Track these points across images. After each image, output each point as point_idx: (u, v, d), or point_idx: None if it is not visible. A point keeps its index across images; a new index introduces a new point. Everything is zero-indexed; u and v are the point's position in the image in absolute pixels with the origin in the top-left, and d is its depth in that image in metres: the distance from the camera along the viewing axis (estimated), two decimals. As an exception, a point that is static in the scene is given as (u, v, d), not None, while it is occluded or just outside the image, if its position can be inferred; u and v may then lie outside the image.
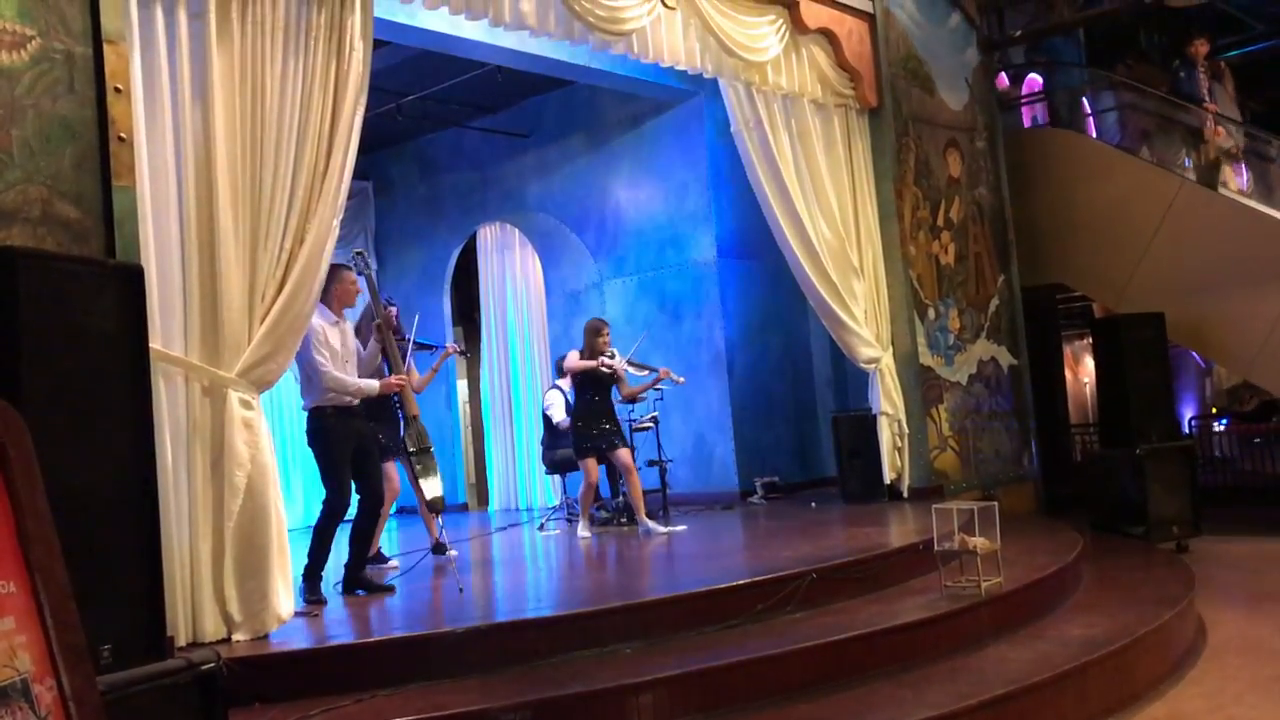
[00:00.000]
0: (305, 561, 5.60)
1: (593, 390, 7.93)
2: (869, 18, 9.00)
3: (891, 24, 9.22)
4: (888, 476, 8.71)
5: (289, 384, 8.81)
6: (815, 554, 6.10)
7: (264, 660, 4.40)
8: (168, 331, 4.66)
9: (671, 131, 10.47)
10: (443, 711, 3.97)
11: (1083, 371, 16.90)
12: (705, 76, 8.08)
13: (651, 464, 8.96)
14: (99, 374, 3.69)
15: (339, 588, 5.88)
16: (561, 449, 8.82)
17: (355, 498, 5.95)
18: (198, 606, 4.64)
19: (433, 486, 6.21)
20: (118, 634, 3.56)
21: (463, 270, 12.46)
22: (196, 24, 4.86)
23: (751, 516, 8.90)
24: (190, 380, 4.72)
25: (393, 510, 7.93)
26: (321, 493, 5.79)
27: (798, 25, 8.26)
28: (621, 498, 8.38)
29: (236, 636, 4.66)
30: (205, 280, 4.80)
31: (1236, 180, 10.24)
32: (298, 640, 4.73)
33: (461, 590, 5.73)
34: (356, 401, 5.89)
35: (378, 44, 5.93)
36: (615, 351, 7.99)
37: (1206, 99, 10.18)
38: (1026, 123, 12.17)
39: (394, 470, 7.08)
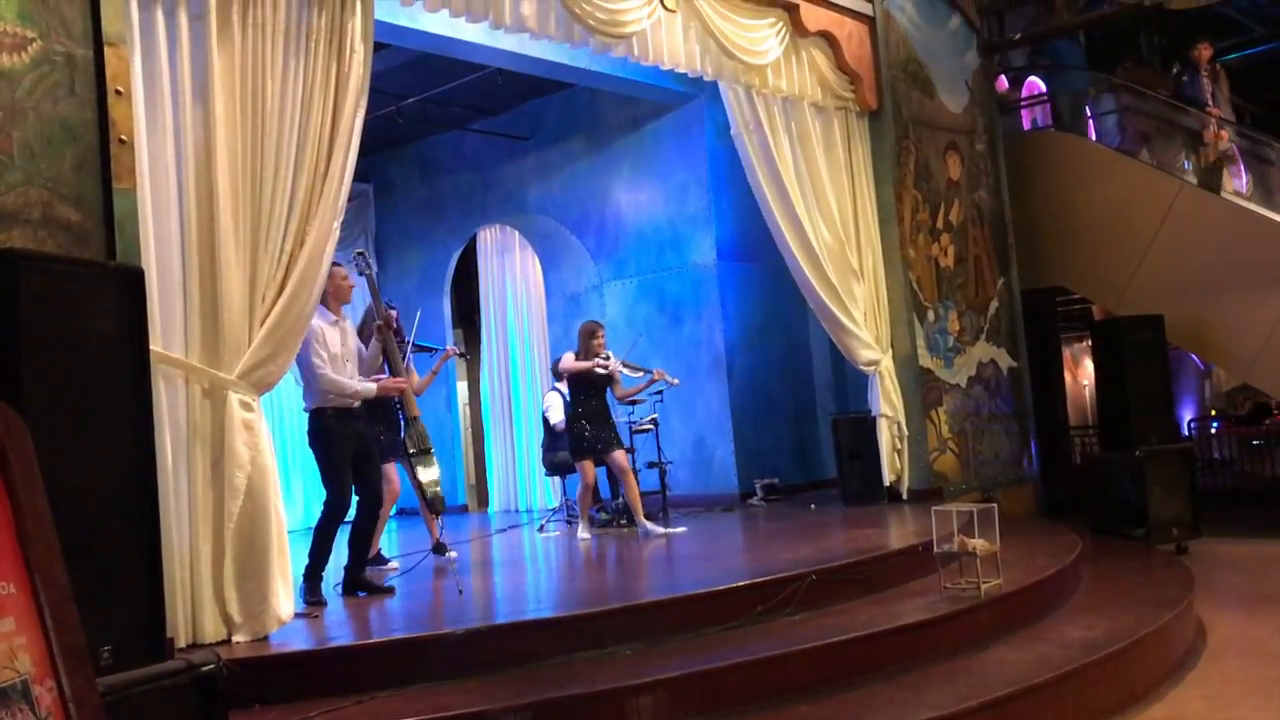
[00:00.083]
0: (306, 562, 5.60)
1: (588, 392, 7.94)
2: (869, 20, 9.00)
3: (891, 27, 9.23)
4: (887, 478, 8.72)
5: (289, 385, 8.83)
6: (815, 556, 6.10)
7: (264, 662, 4.40)
8: (168, 333, 4.66)
9: (671, 134, 10.48)
10: (443, 713, 3.97)
11: (1082, 374, 16.91)
12: (705, 79, 8.09)
13: (651, 466, 8.97)
14: (99, 375, 3.70)
15: (339, 589, 5.89)
16: (561, 451, 8.82)
17: (354, 499, 5.95)
18: (198, 608, 4.64)
19: (431, 473, 6.22)
20: (118, 635, 3.57)
21: (463, 272, 12.47)
22: (197, 26, 4.86)
23: (751, 518, 8.90)
24: (190, 382, 4.73)
25: (392, 512, 7.94)
26: (322, 494, 5.79)
27: (798, 28, 8.26)
28: (621, 499, 8.38)
29: (236, 638, 4.66)
30: (205, 282, 4.80)
31: (1235, 183, 10.25)
32: (298, 642, 4.73)
33: (461, 592, 5.73)
34: (357, 403, 5.89)
35: (378, 46, 5.93)
36: (610, 354, 8.00)
37: (1210, 103, 10.19)
38: (1026, 125, 12.19)
39: (394, 472, 7.08)
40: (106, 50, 4.48)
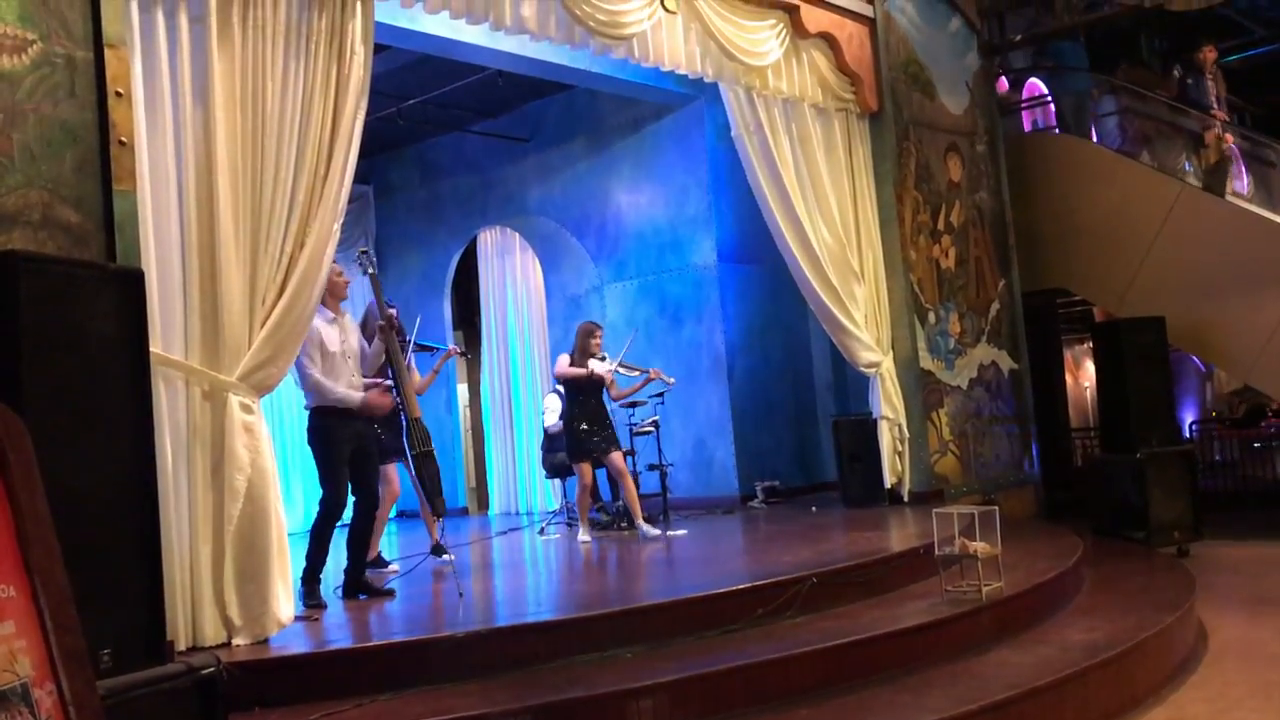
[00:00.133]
0: (304, 565, 5.59)
1: (584, 393, 7.94)
2: (869, 22, 9.00)
3: (892, 28, 9.23)
4: (888, 481, 8.71)
5: (289, 387, 8.81)
6: (815, 558, 6.09)
7: (264, 664, 4.39)
8: (168, 335, 4.66)
9: (672, 136, 10.48)
10: (443, 716, 3.96)
11: (1083, 376, 16.89)
12: (706, 81, 8.09)
13: (652, 468, 8.96)
14: (99, 377, 3.69)
15: (339, 592, 5.88)
16: (560, 453, 8.82)
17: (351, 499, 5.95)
18: (198, 611, 4.63)
19: (432, 474, 6.20)
20: (117, 638, 3.56)
21: (463, 274, 12.47)
22: (197, 28, 4.86)
23: (752, 521, 8.90)
24: (190, 384, 4.72)
25: (392, 514, 7.93)
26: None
27: (798, 29, 8.26)
28: (621, 502, 8.38)
29: (236, 641, 4.66)
30: (205, 284, 4.80)
31: (1236, 184, 10.24)
32: (298, 644, 4.72)
33: (461, 594, 5.73)
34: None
35: (378, 48, 5.93)
36: (606, 355, 8.00)
37: (1215, 106, 10.18)
38: (1027, 127, 12.18)
39: (394, 472, 7.07)
40: (107, 52, 4.47)
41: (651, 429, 9.01)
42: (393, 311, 6.48)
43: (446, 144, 12.10)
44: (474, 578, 6.71)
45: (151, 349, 4.18)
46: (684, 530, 8.11)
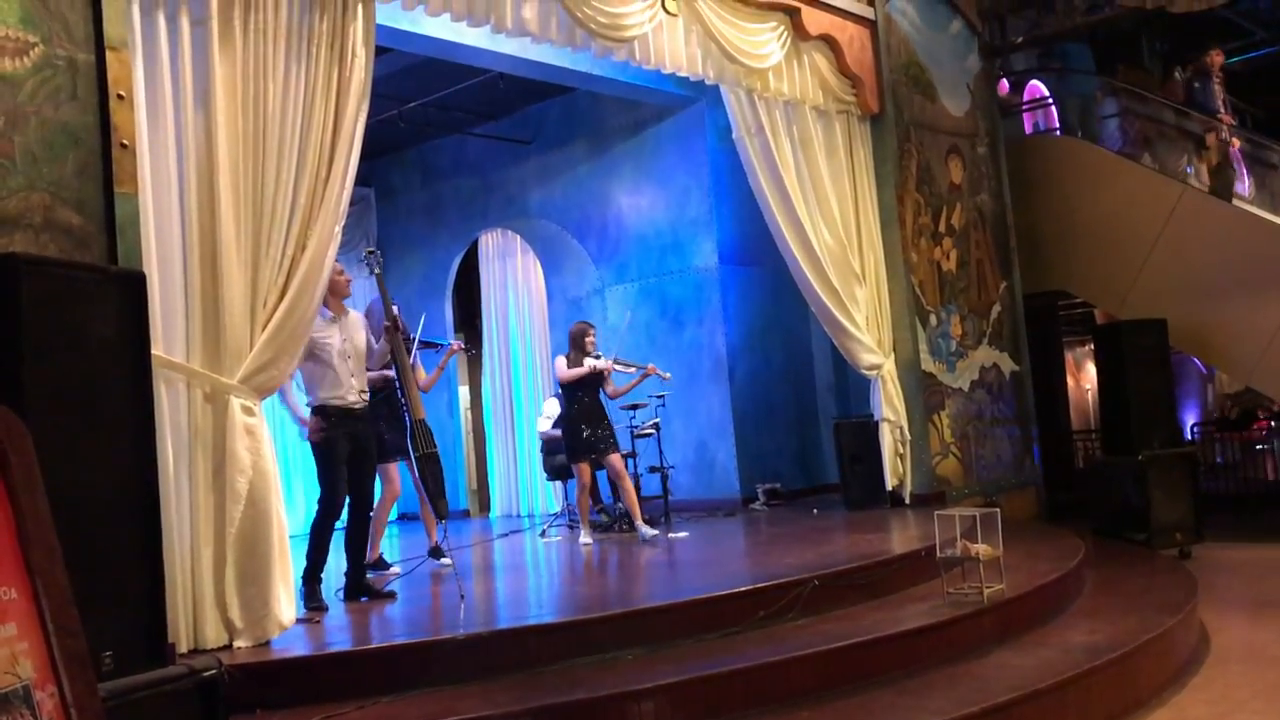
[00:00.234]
0: (304, 564, 5.59)
1: (582, 392, 7.94)
2: (870, 24, 9.01)
3: (893, 30, 9.23)
4: (890, 483, 8.71)
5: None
6: (817, 561, 6.09)
7: (265, 667, 4.39)
8: (169, 338, 4.66)
9: (673, 138, 10.48)
10: (445, 718, 3.96)
11: (1084, 378, 16.88)
12: (707, 83, 8.09)
13: (653, 470, 8.96)
14: (101, 380, 3.69)
15: (340, 594, 5.88)
16: (561, 455, 8.82)
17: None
18: (199, 613, 4.63)
19: (435, 475, 6.25)
20: (119, 640, 3.56)
21: (464, 277, 12.47)
22: (199, 31, 4.86)
23: (753, 523, 8.89)
24: (192, 386, 4.72)
25: (393, 515, 7.93)
26: (323, 497, 5.79)
27: (799, 32, 8.26)
28: (621, 503, 8.37)
29: (238, 643, 4.65)
30: (207, 287, 4.80)
31: (1238, 186, 10.24)
32: (299, 647, 4.72)
33: (463, 597, 5.73)
34: (359, 403, 5.88)
35: (380, 51, 5.93)
36: (601, 354, 8.01)
37: (1222, 110, 10.18)
38: (1028, 129, 12.18)
39: (396, 472, 7.06)
40: (108, 55, 4.48)
41: (653, 431, 9.01)
42: (394, 308, 6.49)
43: (448, 146, 12.11)
44: (475, 580, 6.71)
45: (153, 351, 4.19)
46: (685, 532, 8.11)
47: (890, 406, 8.70)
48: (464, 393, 13.06)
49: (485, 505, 12.43)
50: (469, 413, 13.38)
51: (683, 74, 7.73)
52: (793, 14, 8.18)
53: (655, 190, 10.61)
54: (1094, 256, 10.41)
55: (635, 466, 8.70)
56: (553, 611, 5.74)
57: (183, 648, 4.48)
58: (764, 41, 7.92)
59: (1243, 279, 9.39)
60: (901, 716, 4.27)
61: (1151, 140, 10.80)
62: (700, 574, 6.47)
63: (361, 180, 8.09)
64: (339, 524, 5.82)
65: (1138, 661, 5.04)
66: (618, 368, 8.12)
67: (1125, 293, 10.20)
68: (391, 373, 6.56)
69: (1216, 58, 10.38)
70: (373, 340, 6.28)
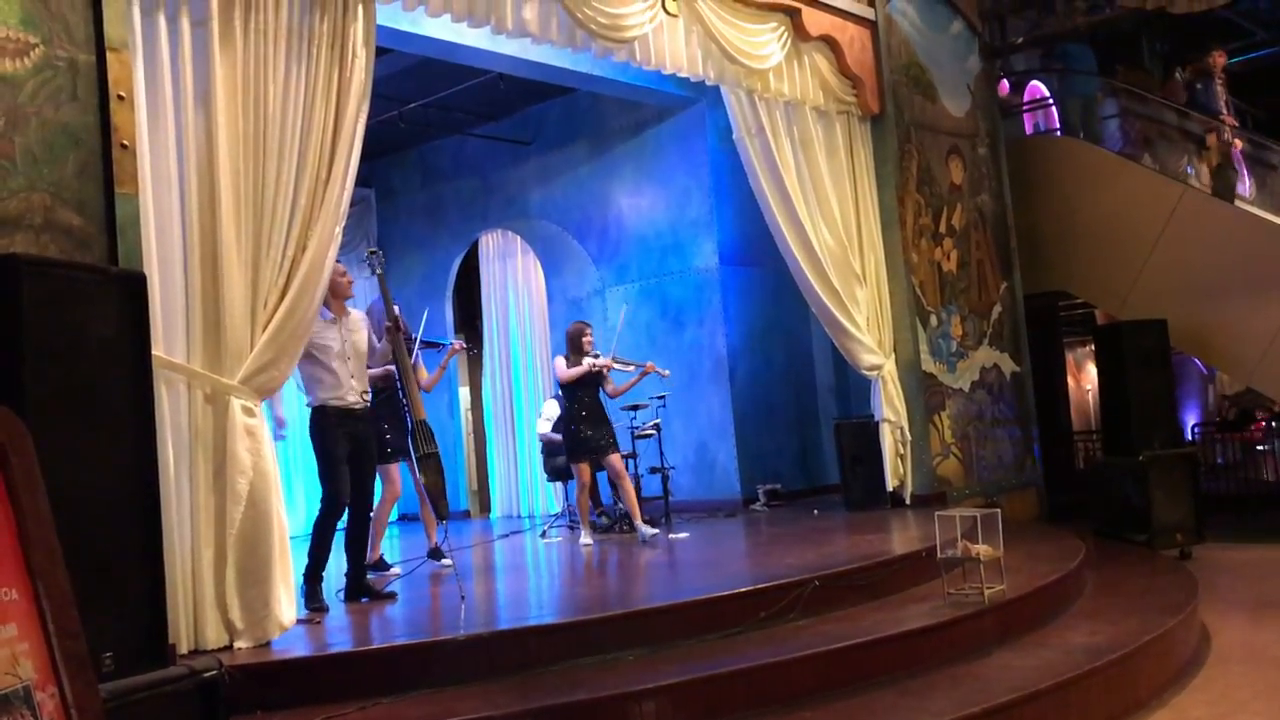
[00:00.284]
0: (306, 563, 5.59)
1: (582, 392, 7.95)
2: (871, 25, 9.01)
3: (893, 31, 9.23)
4: (890, 483, 8.70)
5: (291, 390, 8.81)
6: (818, 561, 6.09)
7: (266, 668, 4.39)
8: (170, 338, 4.66)
9: (673, 138, 10.48)
10: (445, 719, 3.95)
11: (1085, 378, 16.89)
12: (707, 83, 8.09)
13: (654, 471, 8.96)
14: (101, 380, 3.70)
15: (341, 595, 5.88)
16: (561, 457, 8.82)
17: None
18: (200, 614, 4.63)
19: (436, 477, 6.23)
20: (119, 641, 3.56)
21: (465, 277, 12.47)
22: (199, 31, 4.86)
23: (754, 524, 8.89)
24: (192, 387, 4.72)
25: (394, 516, 7.92)
26: (324, 497, 5.78)
27: (799, 32, 8.26)
28: (621, 505, 8.37)
29: (238, 644, 4.65)
30: (207, 287, 4.80)
31: (1239, 187, 10.24)
32: (300, 648, 4.72)
33: (463, 598, 5.73)
34: (360, 404, 5.88)
35: (380, 51, 5.93)
36: (599, 352, 8.02)
37: (1224, 111, 10.17)
38: (1029, 130, 12.18)
39: (397, 472, 7.06)
40: (109, 55, 4.48)
41: (653, 432, 9.01)
42: (395, 308, 6.50)
43: (448, 147, 12.11)
44: (476, 581, 6.71)
45: (153, 352, 4.19)
46: (686, 533, 8.11)
47: (891, 407, 8.70)
48: (464, 393, 13.07)
49: (486, 506, 12.43)
50: (469, 413, 13.38)
51: (683, 75, 7.73)
52: (793, 15, 8.18)
53: (656, 191, 10.61)
54: (1094, 257, 10.41)
55: (636, 467, 8.70)
56: (553, 612, 5.74)
57: (183, 649, 4.48)
58: (764, 42, 7.92)
59: (1243, 279, 9.39)
60: (903, 717, 4.27)
61: (1152, 141, 10.79)
62: (701, 575, 6.47)
63: (362, 181, 8.09)
64: (340, 524, 5.82)
65: (1138, 662, 5.04)
66: (616, 366, 8.13)
67: (1126, 293, 10.20)
68: (394, 369, 6.56)
69: (1219, 59, 10.38)
70: (374, 339, 6.27)
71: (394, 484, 7.04)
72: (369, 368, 6.65)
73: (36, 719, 2.60)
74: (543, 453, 9.54)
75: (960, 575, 5.65)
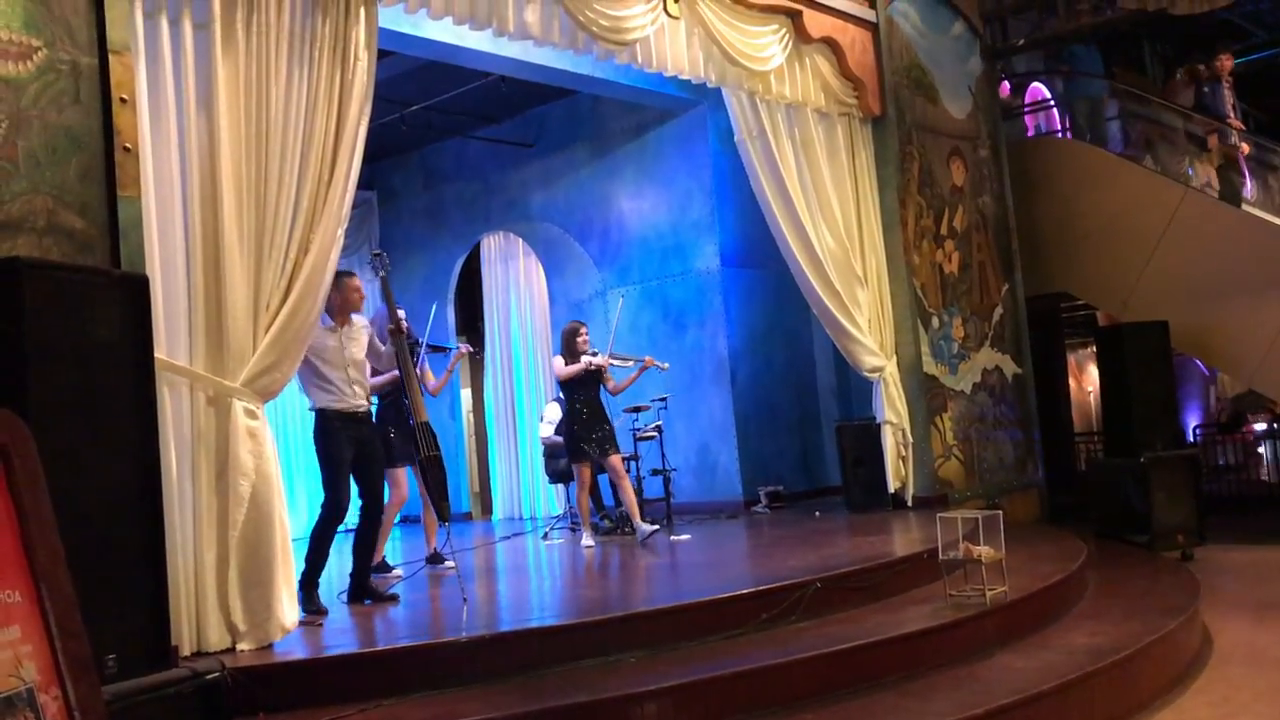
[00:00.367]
0: (302, 569, 5.59)
1: (581, 391, 7.95)
2: (872, 27, 9.01)
3: (894, 33, 9.24)
4: (892, 485, 8.70)
5: (293, 392, 8.83)
6: (819, 563, 6.09)
7: (268, 670, 4.39)
8: (172, 341, 4.66)
9: (675, 141, 10.49)
10: (447, 721, 3.96)
11: (1087, 380, 16.88)
12: (709, 86, 8.09)
13: (655, 473, 8.96)
14: (104, 383, 3.71)
15: (344, 597, 5.88)
16: (563, 459, 8.82)
17: (358, 503, 5.94)
18: (202, 616, 4.63)
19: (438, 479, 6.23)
20: (122, 643, 3.57)
21: (466, 279, 12.48)
22: (201, 34, 4.87)
23: (755, 525, 8.89)
24: (195, 390, 4.72)
25: (396, 519, 7.92)
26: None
27: (801, 34, 8.27)
28: (623, 507, 8.37)
29: (241, 646, 4.65)
30: (210, 290, 4.81)
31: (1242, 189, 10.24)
32: (302, 650, 4.72)
33: (465, 600, 5.73)
34: (362, 408, 5.88)
35: (382, 54, 5.94)
36: (597, 350, 8.02)
37: (1231, 115, 10.17)
38: (1030, 131, 12.18)
39: (403, 477, 7.07)
40: (111, 58, 4.48)
41: (655, 434, 9.02)
42: (400, 312, 6.51)
43: (450, 149, 12.13)
44: (478, 583, 6.71)
45: (156, 354, 4.20)
46: (687, 535, 8.11)
47: (892, 409, 8.70)
48: (466, 395, 13.08)
49: (487, 508, 12.43)
50: (471, 415, 13.40)
51: (684, 77, 7.73)
52: (794, 17, 8.19)
53: (657, 193, 10.62)
54: (1096, 258, 10.41)
55: (637, 469, 8.70)
56: (555, 614, 5.74)
57: (185, 650, 4.47)
58: (766, 44, 7.92)
59: (1244, 281, 9.38)
60: (904, 719, 4.27)
61: (1153, 142, 10.79)
62: (703, 576, 6.47)
63: (364, 183, 8.11)
64: (343, 527, 5.82)
65: (1140, 664, 5.04)
66: (614, 362, 8.13)
67: (1127, 295, 10.20)
68: (399, 373, 6.57)
69: (1226, 62, 10.36)
70: (379, 343, 6.28)
71: (400, 488, 7.04)
72: (379, 373, 6.67)
73: (40, 721, 2.60)
74: (544, 455, 9.54)
75: (962, 577, 5.65)
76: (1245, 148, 10.16)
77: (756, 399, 10.23)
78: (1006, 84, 11.61)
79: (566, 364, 7.91)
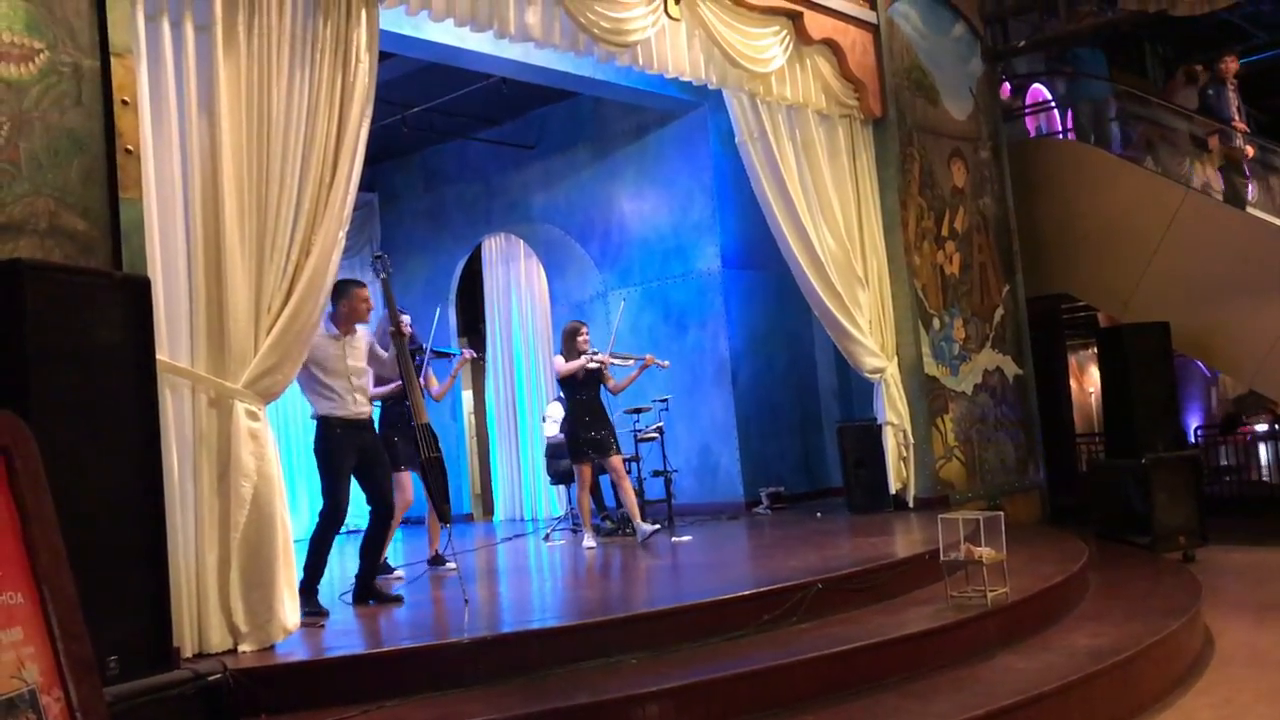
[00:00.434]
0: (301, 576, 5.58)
1: (581, 390, 7.96)
2: (873, 28, 9.01)
3: (895, 34, 9.24)
4: (893, 486, 8.71)
5: (295, 394, 8.83)
6: (821, 564, 6.09)
7: (270, 671, 4.39)
8: (174, 343, 4.67)
9: (676, 142, 10.50)
10: (448, 722, 3.96)
11: (1088, 381, 16.87)
12: (710, 87, 8.10)
13: (656, 474, 8.97)
14: (106, 385, 3.71)
15: (348, 598, 5.88)
16: (565, 460, 8.82)
17: (367, 508, 5.94)
18: (204, 618, 4.64)
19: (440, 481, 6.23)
20: (124, 645, 3.57)
21: (468, 281, 12.49)
22: (203, 37, 4.88)
23: (757, 527, 8.89)
24: (196, 391, 4.73)
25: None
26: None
27: (802, 36, 8.27)
28: (624, 508, 8.38)
29: (243, 647, 4.66)
30: (211, 292, 4.81)
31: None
32: (304, 651, 4.72)
33: (467, 601, 5.73)
34: (365, 413, 5.89)
35: (383, 56, 5.95)
36: (597, 349, 8.03)
37: (1236, 117, 10.17)
38: (1031, 132, 12.18)
39: (409, 480, 7.07)
40: (113, 61, 4.49)
41: (656, 435, 9.02)
42: (405, 317, 6.51)
43: (451, 151, 12.13)
44: (480, 584, 6.71)
45: (158, 356, 4.21)
46: (689, 536, 8.11)
47: (894, 410, 8.70)
48: (467, 397, 13.10)
49: (489, 509, 12.44)
50: (472, 417, 13.41)
51: (685, 78, 7.74)
52: (795, 18, 8.19)
53: (658, 194, 10.63)
54: (1097, 260, 10.40)
55: (639, 470, 8.70)
56: (557, 615, 5.74)
57: (187, 652, 4.48)
58: (766, 46, 7.93)
59: (1245, 282, 9.38)
60: (906, 719, 4.28)
61: (1154, 143, 10.78)
62: (704, 578, 6.47)
63: (365, 185, 8.12)
64: (345, 529, 5.81)
65: (1141, 665, 5.03)
66: (615, 361, 8.14)
67: (1128, 296, 10.19)
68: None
69: (1232, 64, 10.35)
70: (380, 350, 6.28)
71: (405, 491, 7.04)
72: (383, 380, 6.68)
73: (42, 722, 2.61)
74: (546, 455, 9.54)
75: (963, 578, 5.65)
76: (1250, 150, 10.16)
77: (758, 400, 10.23)
78: (1007, 85, 11.62)
79: (567, 362, 7.93)
